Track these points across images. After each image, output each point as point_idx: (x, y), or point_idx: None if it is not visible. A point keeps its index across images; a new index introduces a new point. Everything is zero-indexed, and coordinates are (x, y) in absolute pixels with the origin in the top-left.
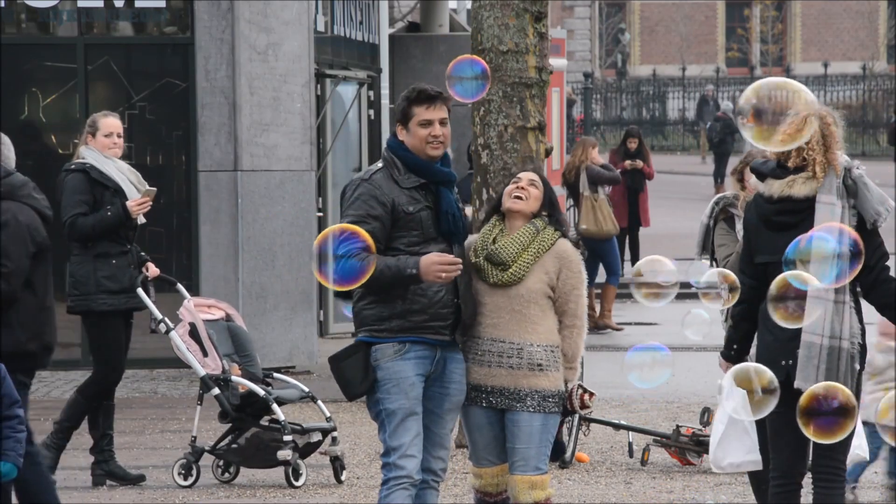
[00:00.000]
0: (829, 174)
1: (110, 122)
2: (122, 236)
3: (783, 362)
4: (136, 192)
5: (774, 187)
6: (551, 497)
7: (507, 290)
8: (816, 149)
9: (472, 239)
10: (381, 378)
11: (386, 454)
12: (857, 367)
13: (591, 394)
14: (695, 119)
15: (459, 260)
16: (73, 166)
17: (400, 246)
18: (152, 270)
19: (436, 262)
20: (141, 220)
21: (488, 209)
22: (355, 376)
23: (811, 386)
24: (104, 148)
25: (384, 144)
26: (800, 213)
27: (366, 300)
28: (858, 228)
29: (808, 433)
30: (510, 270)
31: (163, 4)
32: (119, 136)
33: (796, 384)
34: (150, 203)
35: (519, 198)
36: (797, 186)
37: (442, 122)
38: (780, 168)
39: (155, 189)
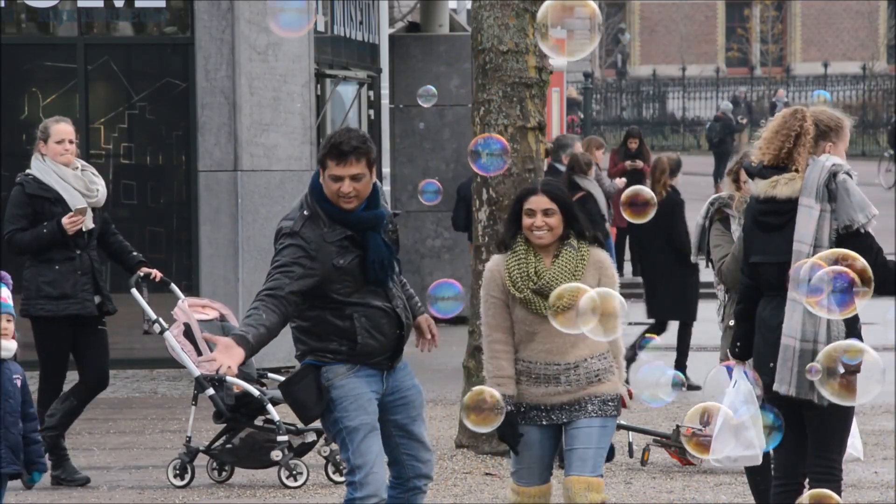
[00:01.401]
0: (811, 175)
1: (62, 129)
2: (68, 243)
3: (770, 364)
4: (81, 199)
5: (759, 187)
6: (606, 501)
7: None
8: (800, 149)
9: (495, 269)
10: (336, 397)
11: (351, 473)
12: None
13: (630, 390)
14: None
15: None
16: (18, 178)
17: (335, 296)
18: (155, 273)
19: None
20: (89, 224)
21: (505, 236)
22: (309, 399)
23: (787, 389)
24: (55, 155)
25: (384, 143)
26: (784, 215)
27: (302, 340)
28: (839, 232)
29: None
30: (565, 299)
31: (163, 4)
32: (71, 142)
33: (774, 387)
34: (83, 219)
35: (540, 234)
36: (779, 187)
37: (354, 178)
38: (766, 168)
39: (86, 206)
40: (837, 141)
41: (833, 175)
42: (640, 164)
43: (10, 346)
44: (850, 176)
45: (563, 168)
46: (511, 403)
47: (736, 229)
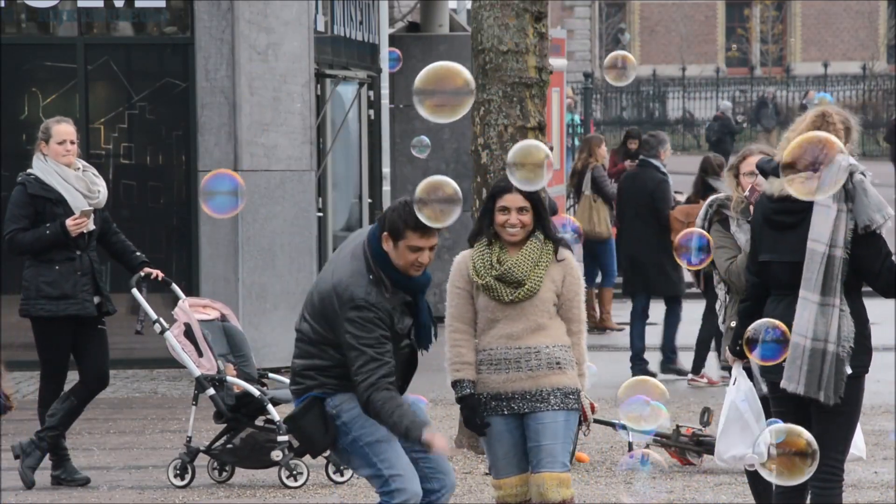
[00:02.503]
0: (827, 174)
1: (63, 129)
2: (69, 243)
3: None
4: (83, 200)
5: (775, 185)
6: (574, 496)
7: (520, 303)
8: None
9: (461, 261)
10: (349, 419)
11: (385, 484)
12: (847, 370)
13: (592, 403)
14: (754, 121)
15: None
16: (19, 178)
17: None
18: (156, 273)
19: (445, 446)
20: (90, 226)
21: (475, 228)
22: (316, 432)
23: (795, 387)
24: (57, 155)
25: (384, 143)
26: (798, 213)
27: (322, 373)
28: (855, 232)
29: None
30: (526, 286)
31: (163, 4)
32: (72, 142)
33: (781, 384)
34: (87, 222)
35: (513, 232)
36: (796, 185)
37: (431, 249)
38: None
39: (91, 209)
40: (849, 142)
41: (850, 175)
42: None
43: None
44: (865, 176)
45: (657, 163)
46: (471, 388)
47: (735, 230)
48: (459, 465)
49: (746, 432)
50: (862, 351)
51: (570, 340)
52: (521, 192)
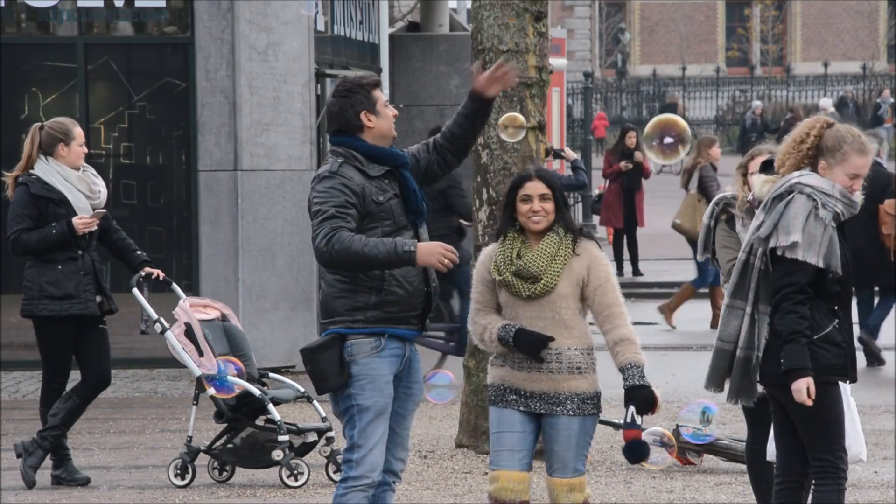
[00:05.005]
0: (775, 184)
1: (80, 132)
2: (71, 243)
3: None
4: (85, 200)
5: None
6: (589, 498)
7: (539, 299)
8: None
9: (487, 253)
10: (355, 374)
11: (350, 450)
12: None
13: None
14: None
15: (456, 253)
16: (20, 178)
17: (372, 237)
18: (157, 272)
19: (439, 248)
20: (92, 227)
21: (501, 224)
22: (331, 370)
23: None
24: (77, 157)
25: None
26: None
27: (335, 288)
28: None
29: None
30: (542, 282)
31: (163, 4)
32: (82, 144)
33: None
34: (96, 222)
35: (537, 219)
36: (765, 187)
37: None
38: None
39: (105, 211)
40: (834, 163)
41: (789, 190)
42: (639, 155)
43: None
44: (819, 207)
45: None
46: (514, 325)
47: (741, 230)
48: (459, 464)
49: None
50: (820, 358)
51: (591, 342)
52: (541, 179)
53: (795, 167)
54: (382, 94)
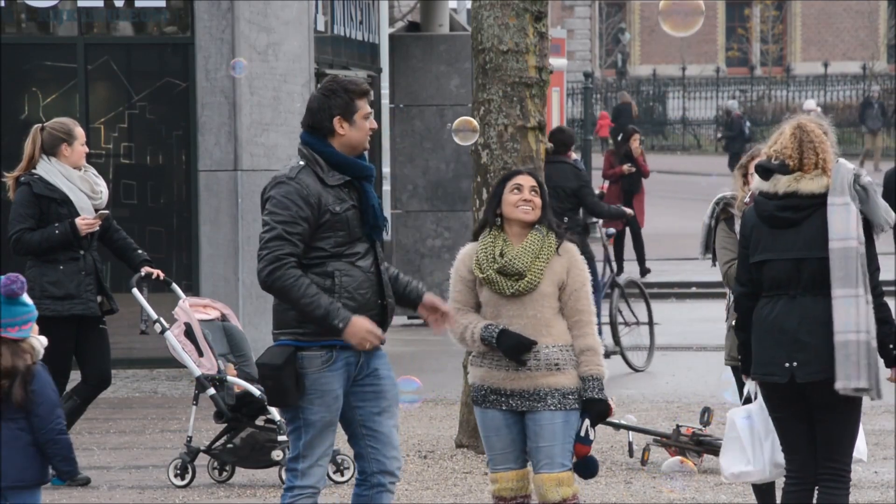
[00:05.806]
0: (838, 174)
1: (82, 132)
2: (73, 244)
3: (786, 364)
4: (87, 201)
5: (781, 183)
6: (577, 493)
7: (521, 297)
8: (823, 148)
9: (467, 252)
10: (306, 387)
11: (295, 460)
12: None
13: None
14: (858, 121)
15: (384, 335)
16: (22, 178)
17: (325, 247)
18: (157, 272)
19: (367, 329)
20: (94, 228)
21: (484, 217)
22: (291, 385)
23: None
24: (80, 157)
25: (384, 143)
26: (804, 210)
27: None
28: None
29: None
30: (526, 279)
31: (163, 4)
32: (85, 143)
33: (837, 385)
34: (99, 223)
35: (527, 209)
36: (805, 182)
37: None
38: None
39: (108, 212)
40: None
41: (857, 176)
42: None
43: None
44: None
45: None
46: (497, 325)
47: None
48: (459, 464)
49: (743, 450)
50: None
51: (571, 339)
52: (532, 176)
53: (830, 155)
54: (367, 106)
